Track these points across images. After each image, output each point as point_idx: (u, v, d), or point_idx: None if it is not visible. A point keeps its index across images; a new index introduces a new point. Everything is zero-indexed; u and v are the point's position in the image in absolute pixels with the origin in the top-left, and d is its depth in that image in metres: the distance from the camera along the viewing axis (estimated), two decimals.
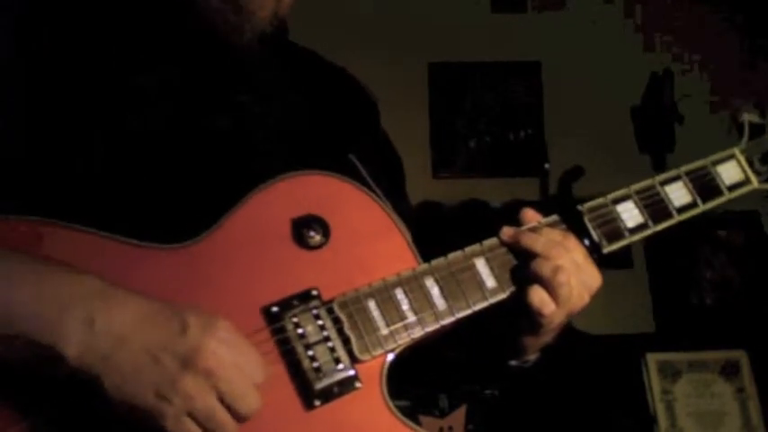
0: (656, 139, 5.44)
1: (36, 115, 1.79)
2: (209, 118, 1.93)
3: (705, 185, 2.06)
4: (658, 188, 2.02)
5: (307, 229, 1.77)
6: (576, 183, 5.22)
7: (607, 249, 1.95)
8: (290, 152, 1.98)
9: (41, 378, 1.54)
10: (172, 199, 1.81)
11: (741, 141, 2.14)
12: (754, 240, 5.25)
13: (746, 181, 2.11)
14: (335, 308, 1.74)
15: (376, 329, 1.75)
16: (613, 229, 1.97)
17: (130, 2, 1.96)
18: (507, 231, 1.90)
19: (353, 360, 1.72)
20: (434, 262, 1.84)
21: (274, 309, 1.71)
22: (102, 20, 1.92)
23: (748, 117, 2.15)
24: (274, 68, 2.06)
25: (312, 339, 1.71)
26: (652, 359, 4.88)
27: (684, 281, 5.26)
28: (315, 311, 1.72)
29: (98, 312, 1.52)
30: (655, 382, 4.83)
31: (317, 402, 1.67)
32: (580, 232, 1.94)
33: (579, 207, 1.96)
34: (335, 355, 1.71)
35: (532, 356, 2.01)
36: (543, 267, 1.83)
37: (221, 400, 1.54)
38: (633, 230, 1.98)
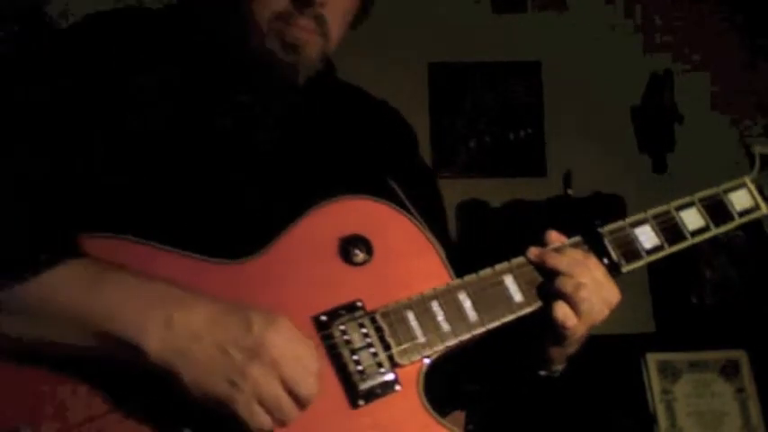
0: (656, 139, 5.54)
1: (35, 115, 1.98)
2: (210, 118, 2.11)
3: (717, 211, 2.31)
4: (673, 213, 2.28)
5: (352, 247, 2.04)
6: (575, 183, 5.32)
7: (626, 269, 2.20)
8: (290, 152, 2.21)
9: (127, 372, 1.81)
10: (172, 198, 2.02)
11: (753, 171, 2.37)
12: (755, 240, 5.19)
13: (756, 207, 2.37)
14: (378, 318, 2.00)
15: (414, 337, 2.01)
16: (632, 250, 2.22)
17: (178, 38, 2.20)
18: (534, 251, 2.15)
19: (394, 365, 1.98)
20: (467, 278, 2.10)
21: (323, 318, 1.98)
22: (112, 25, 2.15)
23: (759, 149, 2.40)
24: (318, 102, 2.28)
25: (357, 345, 1.97)
26: (652, 359, 4.96)
27: (684, 281, 5.33)
28: (359, 321, 1.99)
29: (175, 313, 1.79)
30: (655, 382, 4.89)
31: (361, 402, 1.94)
32: (601, 252, 2.18)
33: (600, 229, 2.21)
34: (378, 359, 1.97)
35: (560, 366, 2.27)
36: (566, 284, 2.09)
37: (284, 387, 1.80)
38: (650, 252, 2.24)
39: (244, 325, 1.81)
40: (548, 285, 2.13)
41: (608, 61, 5.61)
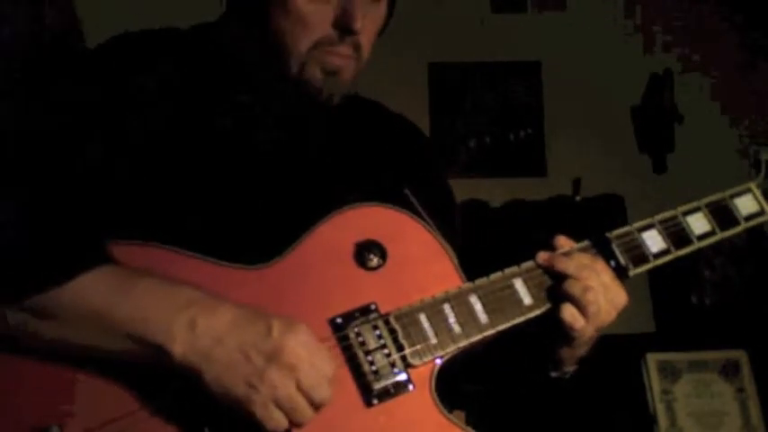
0: (656, 139, 5.59)
1: (36, 114, 2.06)
2: (210, 118, 2.16)
3: (723, 216, 2.39)
4: (680, 218, 2.37)
5: (367, 252, 2.13)
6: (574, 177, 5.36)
7: (633, 272, 2.31)
8: (291, 153, 2.28)
9: (153, 373, 1.91)
10: (172, 198, 2.09)
11: (758, 177, 2.46)
12: (754, 240, 5.20)
13: (762, 212, 2.45)
14: (391, 320, 2.09)
15: (426, 339, 2.10)
16: (639, 254, 2.32)
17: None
18: (543, 255, 2.24)
19: (407, 365, 2.07)
20: (478, 281, 2.19)
21: (339, 320, 2.07)
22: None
23: (765, 155, 2.48)
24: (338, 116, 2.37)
25: (371, 347, 2.06)
26: (652, 359, 5.02)
27: (684, 281, 5.39)
28: (374, 323, 2.08)
29: (199, 317, 1.88)
30: (655, 382, 4.94)
31: (375, 401, 2.03)
32: (608, 257, 2.28)
33: (608, 234, 2.30)
34: (391, 360, 2.06)
35: (570, 368, 2.35)
36: (574, 287, 2.18)
37: (300, 390, 1.88)
38: (657, 255, 2.34)
39: (264, 330, 1.90)
40: (556, 288, 2.21)
41: (608, 61, 5.66)
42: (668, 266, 5.19)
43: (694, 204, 2.40)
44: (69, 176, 2.02)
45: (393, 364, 2.07)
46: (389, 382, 2.06)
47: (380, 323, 2.10)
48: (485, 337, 2.16)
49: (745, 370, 5.01)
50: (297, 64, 2.22)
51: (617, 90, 5.65)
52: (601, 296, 2.19)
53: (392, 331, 2.09)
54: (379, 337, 2.08)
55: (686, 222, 2.37)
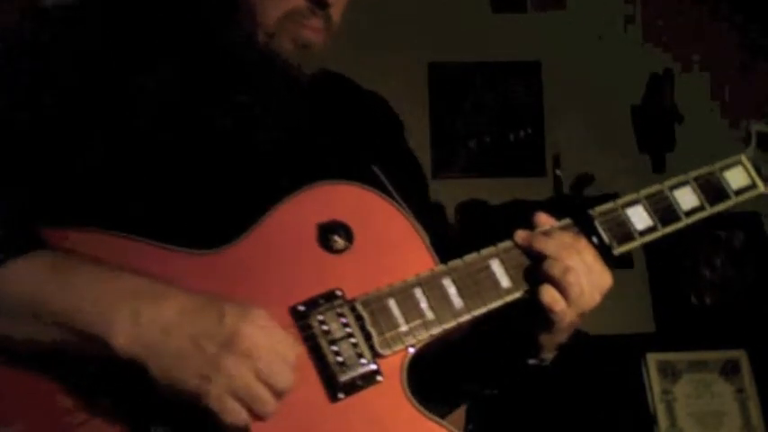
0: (656, 139, 5.48)
1: (36, 113, 1.92)
2: (210, 118, 2.05)
3: (712, 190, 2.20)
4: (667, 192, 2.17)
5: (332, 234, 1.93)
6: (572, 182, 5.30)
7: (618, 251, 2.10)
8: (290, 152, 2.13)
9: (98, 368, 1.72)
10: (172, 198, 1.95)
11: (748, 149, 2.27)
12: (755, 241, 5.28)
13: (753, 185, 2.25)
14: (358, 306, 1.90)
15: (396, 326, 1.90)
16: (624, 232, 2.12)
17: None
18: (521, 234, 2.05)
19: (375, 355, 1.88)
20: (451, 263, 1.99)
21: (301, 307, 1.87)
22: (111, 21, 2.07)
23: (756, 127, 2.29)
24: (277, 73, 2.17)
25: (336, 335, 1.87)
26: (652, 359, 4.91)
27: (684, 281, 5.30)
28: (339, 310, 1.89)
29: (144, 306, 1.70)
30: (655, 382, 4.85)
31: (341, 395, 1.84)
32: (591, 235, 2.08)
33: (590, 211, 2.11)
34: (358, 350, 1.87)
35: (549, 355, 2.15)
36: (554, 268, 1.98)
37: (259, 378, 1.70)
38: (643, 233, 2.13)
39: (216, 317, 1.72)
40: (535, 269, 2.03)
41: (608, 61, 5.53)
42: (668, 266, 5.06)
43: (681, 178, 2.20)
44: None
45: (360, 354, 1.88)
46: (356, 373, 1.87)
47: (346, 310, 1.90)
48: (460, 323, 1.97)
49: (745, 370, 4.94)
50: (265, 34, 2.05)
51: (617, 90, 5.53)
52: (583, 277, 1.99)
53: (359, 318, 1.90)
54: (345, 325, 1.89)
55: (673, 197, 2.17)
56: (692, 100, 5.50)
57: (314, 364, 1.85)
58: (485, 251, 2.04)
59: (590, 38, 5.58)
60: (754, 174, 2.25)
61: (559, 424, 4.62)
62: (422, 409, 1.88)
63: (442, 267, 1.99)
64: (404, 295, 1.94)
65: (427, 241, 2.02)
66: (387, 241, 1.99)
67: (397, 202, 2.04)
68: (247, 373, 1.70)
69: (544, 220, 2.10)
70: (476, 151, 5.59)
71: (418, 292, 1.95)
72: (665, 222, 2.15)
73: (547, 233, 2.06)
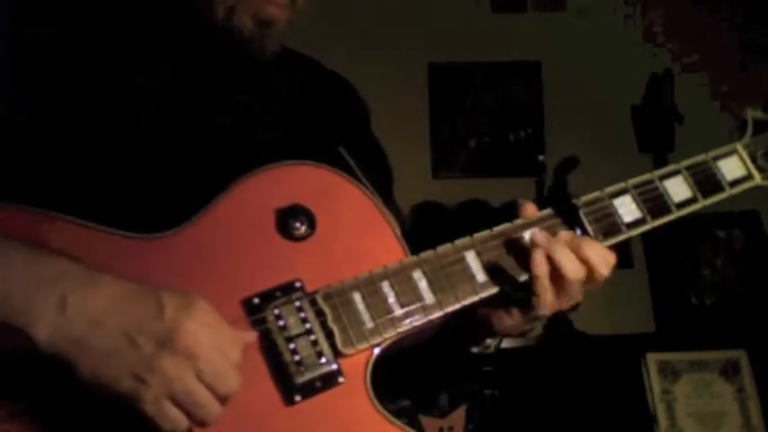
0: (656, 139, 5.37)
1: (37, 113, 1.79)
2: (210, 118, 1.92)
3: (706, 181, 2.01)
4: (657, 183, 1.98)
5: (292, 219, 1.73)
6: (574, 178, 5.08)
7: (604, 245, 1.89)
8: (286, 149, 1.94)
9: (22, 363, 1.51)
10: (172, 199, 1.79)
11: (744, 136, 2.09)
12: (754, 240, 5.21)
13: (748, 176, 2.06)
14: (319, 300, 1.70)
15: (361, 323, 1.71)
16: (610, 224, 1.93)
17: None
18: (500, 227, 1.87)
19: (337, 354, 1.68)
20: (423, 254, 1.80)
21: (256, 300, 1.68)
22: (109, 20, 1.92)
23: (752, 113, 2.10)
24: (276, 72, 2.05)
25: (294, 332, 1.67)
26: (652, 359, 4.81)
27: (684, 281, 5.21)
28: (297, 303, 1.69)
29: (70, 294, 1.49)
30: (655, 382, 4.77)
31: (298, 397, 1.64)
32: (575, 226, 1.90)
33: (575, 201, 1.92)
34: (318, 348, 1.67)
35: (492, 343, 2.00)
36: (536, 264, 1.78)
37: (201, 381, 1.51)
38: (631, 225, 1.94)
39: (153, 308, 1.52)
40: (515, 264, 1.83)
41: (608, 61, 5.46)
42: (668, 266, 4.90)
43: (673, 167, 2.02)
44: None
45: (320, 353, 1.67)
46: (315, 374, 1.66)
47: (306, 304, 1.69)
48: (431, 321, 1.76)
49: (745, 370, 4.84)
50: (224, 8, 1.88)
51: (617, 90, 5.43)
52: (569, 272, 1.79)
53: (320, 313, 1.69)
54: (304, 320, 1.68)
55: (664, 187, 1.98)
56: (692, 100, 5.40)
57: (267, 363, 1.65)
58: (459, 242, 1.83)
59: (590, 38, 5.52)
60: (749, 164, 2.07)
61: (559, 424, 4.52)
62: (386, 413, 1.67)
63: (412, 259, 1.78)
64: (370, 289, 1.73)
65: (397, 230, 1.82)
66: (353, 229, 1.78)
67: (364, 185, 1.84)
68: (187, 375, 1.50)
69: (530, 211, 1.92)
70: (476, 151, 5.51)
71: (386, 286, 1.74)
72: (654, 214, 1.96)
73: (527, 225, 1.89)
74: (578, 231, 1.87)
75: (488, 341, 1.98)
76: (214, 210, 1.72)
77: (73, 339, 1.47)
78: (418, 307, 1.74)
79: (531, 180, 5.22)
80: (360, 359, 1.68)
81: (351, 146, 2.01)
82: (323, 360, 1.65)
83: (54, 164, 1.76)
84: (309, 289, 1.70)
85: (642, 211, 1.93)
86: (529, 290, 1.80)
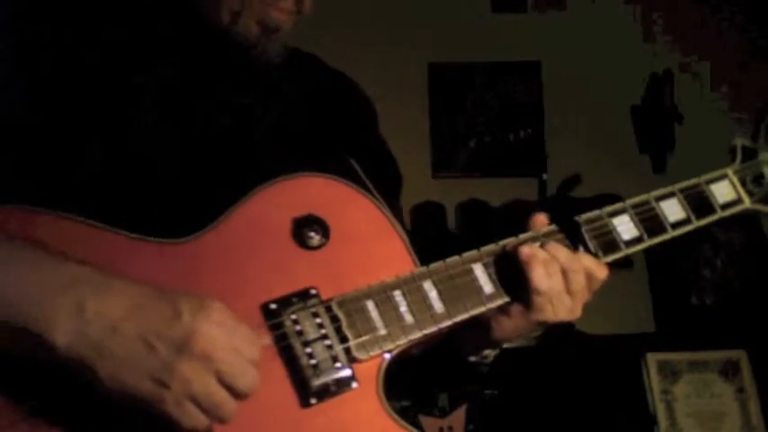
0: (656, 139, 5.44)
1: (37, 114, 1.81)
2: (210, 118, 1.95)
3: (699, 203, 2.11)
4: (653, 203, 2.06)
5: (307, 229, 1.79)
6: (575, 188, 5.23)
7: (604, 260, 1.99)
8: (290, 153, 2.01)
9: (40, 365, 1.54)
10: (173, 199, 1.84)
11: (735, 163, 2.19)
12: (754, 241, 5.23)
13: (739, 200, 2.16)
14: (334, 307, 1.75)
15: (374, 329, 1.76)
16: (609, 241, 2.01)
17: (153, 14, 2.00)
18: (505, 241, 1.94)
19: (351, 359, 1.73)
20: (433, 266, 1.86)
21: (273, 306, 1.72)
22: (109, 21, 1.94)
23: (740, 141, 2.21)
24: (280, 73, 2.08)
25: (310, 337, 1.71)
26: (652, 359, 4.85)
27: (684, 281, 5.25)
28: (313, 309, 1.74)
29: (88, 299, 1.52)
30: (655, 382, 4.81)
31: (313, 400, 1.68)
32: (577, 243, 1.98)
33: (577, 218, 2.00)
34: (333, 353, 1.72)
35: (492, 353, 2.07)
36: (541, 278, 1.87)
37: (219, 381, 1.54)
38: (629, 243, 2.03)
39: (170, 313, 1.54)
40: (522, 277, 1.90)
41: (608, 61, 5.51)
42: (668, 266, 4.96)
43: (668, 189, 2.10)
44: None
45: (335, 358, 1.72)
46: (330, 378, 1.71)
47: (321, 310, 1.75)
48: (440, 329, 1.83)
49: (745, 370, 4.89)
50: (229, 12, 1.93)
51: (617, 90, 5.50)
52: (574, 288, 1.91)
53: (335, 320, 1.75)
54: (320, 326, 1.73)
55: (660, 208, 2.08)
56: (692, 100, 5.46)
57: (285, 365, 1.70)
58: (467, 255, 1.91)
59: (590, 38, 5.55)
60: (740, 188, 2.18)
61: (559, 424, 4.56)
62: (397, 417, 1.73)
63: (422, 269, 1.85)
64: (382, 297, 1.80)
65: (407, 241, 1.88)
66: (365, 239, 1.84)
67: (375, 197, 1.90)
68: (205, 376, 1.53)
69: (541, 222, 1.99)
70: (476, 151, 5.55)
71: (398, 295, 1.80)
72: (651, 233, 2.06)
73: (533, 240, 1.96)
74: (581, 248, 1.96)
75: (486, 351, 2.05)
76: (231, 218, 1.77)
77: (92, 345, 1.49)
78: (429, 316, 1.80)
79: (531, 180, 5.31)
80: (372, 365, 1.74)
81: (357, 148, 2.07)
82: (338, 365, 1.71)
83: (54, 164, 1.78)
84: (324, 296, 1.75)
85: (639, 229, 2.03)
86: (530, 300, 1.89)
